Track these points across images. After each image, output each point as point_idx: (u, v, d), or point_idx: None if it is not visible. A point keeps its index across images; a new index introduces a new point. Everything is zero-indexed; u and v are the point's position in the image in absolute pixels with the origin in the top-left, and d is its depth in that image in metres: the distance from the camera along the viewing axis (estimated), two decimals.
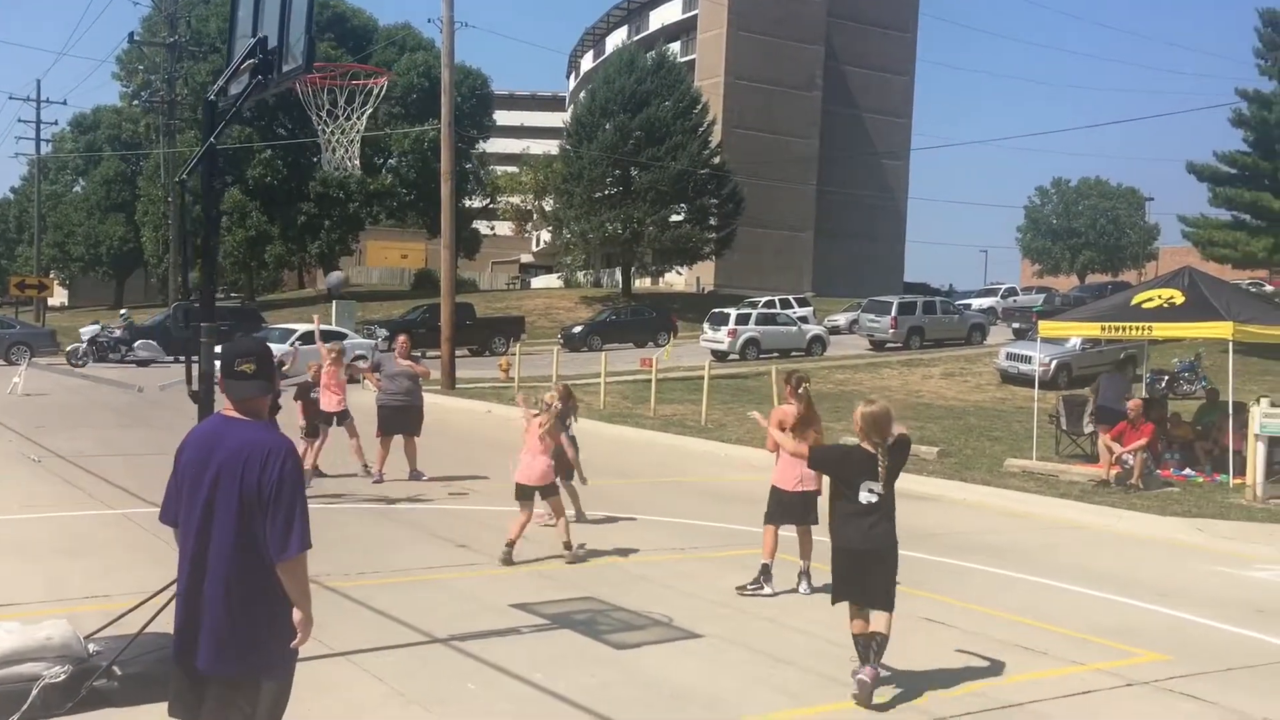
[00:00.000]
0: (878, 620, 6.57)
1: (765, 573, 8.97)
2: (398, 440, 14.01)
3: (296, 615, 4.14)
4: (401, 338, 14.82)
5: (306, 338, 30.81)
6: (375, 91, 7.08)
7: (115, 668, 6.02)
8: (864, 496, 6.51)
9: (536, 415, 10.01)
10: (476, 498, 13.15)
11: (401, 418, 14.01)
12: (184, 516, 4.24)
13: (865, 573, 6.56)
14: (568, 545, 9.91)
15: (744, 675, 6.96)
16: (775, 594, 8.90)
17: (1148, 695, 6.82)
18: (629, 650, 7.37)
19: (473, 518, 12.09)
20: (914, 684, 6.86)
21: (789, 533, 9.22)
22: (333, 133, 6.94)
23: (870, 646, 6.52)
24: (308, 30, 6.11)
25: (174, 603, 4.30)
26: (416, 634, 7.54)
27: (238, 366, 4.21)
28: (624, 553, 10.39)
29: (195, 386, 6.49)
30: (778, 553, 9.09)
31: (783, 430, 8.59)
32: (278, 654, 4.20)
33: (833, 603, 6.81)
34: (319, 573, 8.98)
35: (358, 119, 7.04)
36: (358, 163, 7.15)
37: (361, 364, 15.03)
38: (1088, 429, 17.59)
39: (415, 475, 13.95)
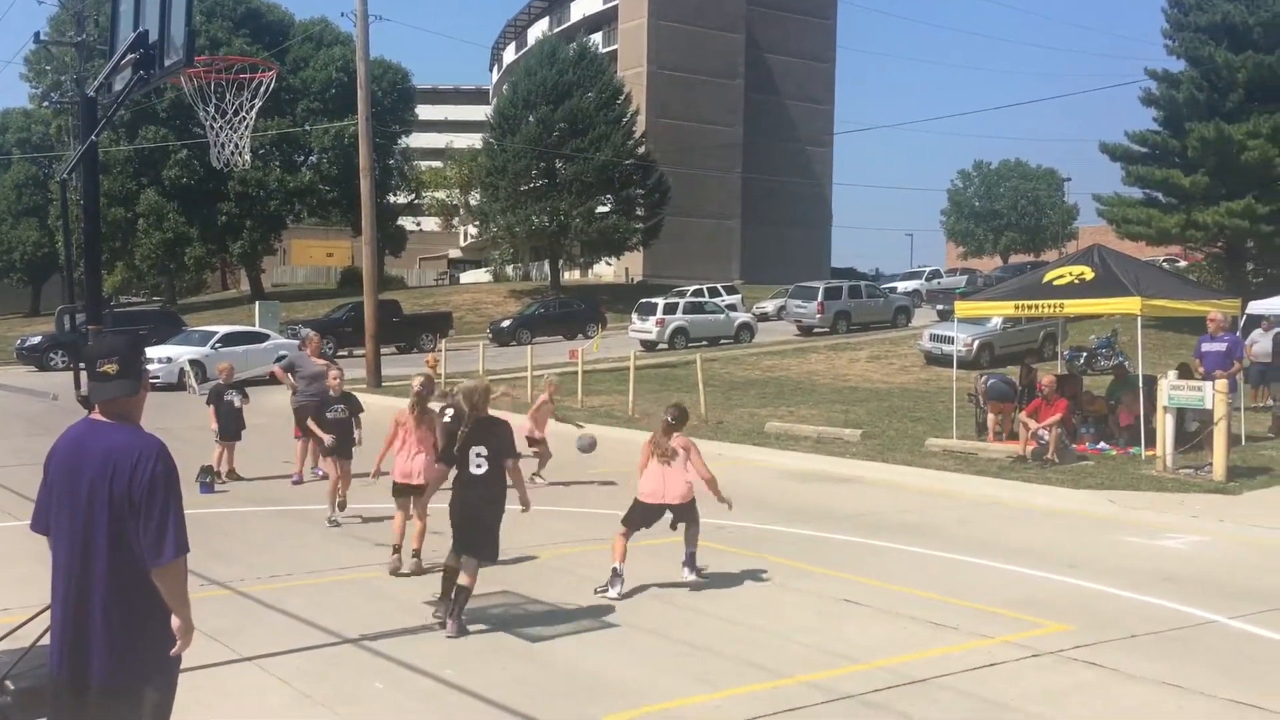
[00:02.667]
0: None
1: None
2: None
3: (175, 622, 4.02)
4: (312, 337, 14.66)
5: (227, 339, 30.29)
6: (265, 85, 6.94)
7: (8, 682, 5.84)
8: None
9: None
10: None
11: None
12: (55, 525, 4.11)
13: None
14: (416, 554, 9.18)
15: (659, 663, 6.96)
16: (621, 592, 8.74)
17: (1051, 665, 6.94)
18: (543, 643, 7.33)
19: (390, 516, 11.94)
20: (824, 662, 6.92)
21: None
22: (221, 129, 6.79)
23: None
24: (188, 23, 5.98)
25: (49, 614, 4.17)
26: (327, 635, 7.44)
27: (99, 367, 4.05)
28: (542, 546, 10.35)
29: (84, 392, 6.31)
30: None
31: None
32: (159, 662, 4.08)
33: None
34: (232, 577, 8.86)
35: (247, 113, 6.89)
36: (247, 157, 7.00)
37: (277, 365, 14.76)
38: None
39: (317, 472, 13.76)
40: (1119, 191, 38.30)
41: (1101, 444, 16.33)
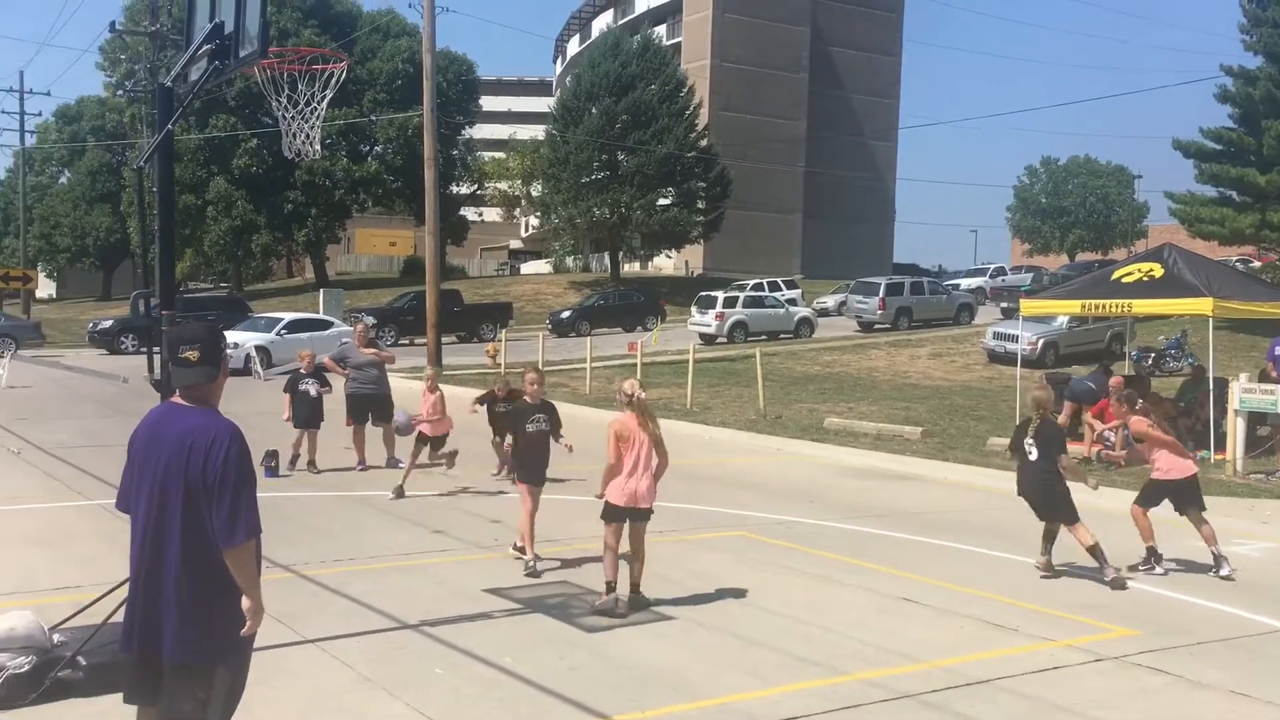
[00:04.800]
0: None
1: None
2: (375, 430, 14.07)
3: (246, 602, 4.11)
4: (358, 326, 14.89)
5: (292, 326, 30.76)
6: (335, 76, 7.04)
7: (79, 658, 6.00)
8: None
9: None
10: (454, 483, 13.13)
11: (371, 405, 14.08)
12: (135, 505, 4.22)
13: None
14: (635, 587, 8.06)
15: (714, 657, 6.96)
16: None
17: (1114, 670, 6.84)
18: (599, 633, 7.37)
19: (449, 504, 12.08)
20: (881, 660, 6.88)
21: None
22: (293, 119, 6.89)
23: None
24: (262, 14, 6.07)
25: (122, 591, 4.28)
26: (388, 620, 7.53)
27: (181, 353, 4.17)
28: (599, 537, 10.37)
29: (158, 375, 6.45)
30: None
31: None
32: (231, 641, 4.17)
33: None
34: (295, 561, 9.01)
35: (318, 104, 6.99)
36: (318, 147, 7.10)
37: (327, 357, 14.92)
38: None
39: (393, 463, 13.93)
40: (1191, 189, 37.57)
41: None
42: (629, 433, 7.78)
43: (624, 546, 7.92)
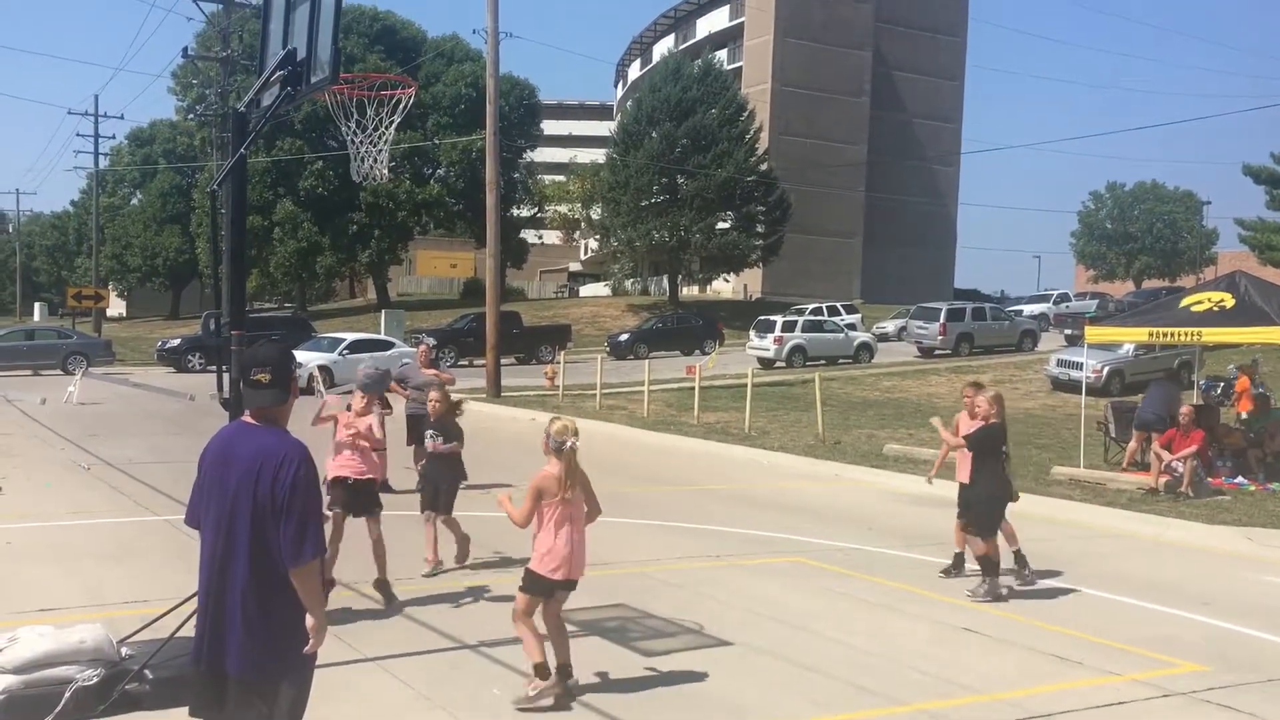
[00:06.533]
0: None
1: None
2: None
3: (310, 621, 4.17)
4: (421, 347, 15.14)
5: (354, 347, 31.17)
6: (403, 102, 7.16)
7: (146, 671, 6.11)
8: None
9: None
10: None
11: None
12: (204, 521, 4.31)
13: None
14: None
15: (771, 683, 6.92)
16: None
17: (1183, 706, 6.69)
18: (656, 657, 7.36)
19: (507, 524, 12.10)
20: (946, 692, 6.79)
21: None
22: (361, 143, 7.02)
23: None
24: (334, 42, 6.19)
25: (191, 605, 4.36)
26: (447, 640, 7.59)
27: (253, 375, 4.26)
28: (657, 560, 10.38)
29: (226, 394, 6.58)
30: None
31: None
32: (295, 658, 4.23)
33: None
34: (355, 579, 9.09)
35: (386, 128, 7.11)
36: (385, 171, 7.22)
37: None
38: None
39: None
40: (1263, 216, 36.93)
41: (1239, 478, 15.68)
42: (554, 488, 6.40)
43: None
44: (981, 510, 9.30)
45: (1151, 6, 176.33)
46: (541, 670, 6.33)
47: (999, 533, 9.42)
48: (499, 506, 6.63)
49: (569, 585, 6.48)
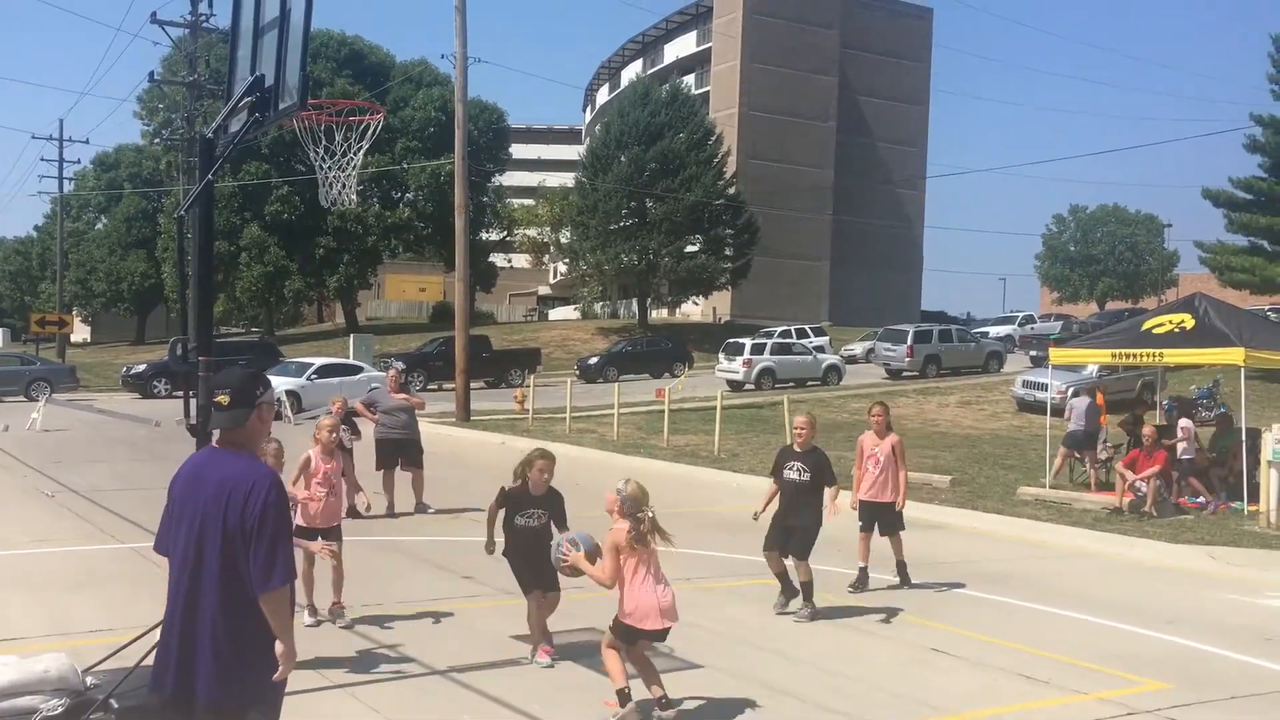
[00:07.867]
0: None
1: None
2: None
3: (278, 647, 4.15)
4: (390, 371, 15.10)
5: (323, 371, 31.01)
6: (372, 127, 7.18)
7: (112, 700, 6.04)
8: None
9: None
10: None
11: (401, 450, 14.18)
12: (173, 548, 4.29)
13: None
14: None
15: (738, 705, 6.93)
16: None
17: None
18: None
19: (478, 549, 12.07)
20: (916, 713, 6.82)
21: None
22: (330, 168, 7.03)
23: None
24: (302, 67, 6.21)
25: (159, 632, 4.33)
26: (417, 666, 7.56)
27: (215, 398, 4.25)
28: None
29: (193, 420, 6.55)
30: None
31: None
32: (263, 686, 4.21)
33: None
34: (323, 605, 9.04)
35: (354, 154, 7.13)
36: (354, 196, 7.24)
37: (358, 401, 15.07)
38: (1102, 455, 17.55)
39: (422, 508, 14.00)
40: (1222, 239, 37.48)
41: (1201, 498, 15.87)
42: (629, 544, 6.25)
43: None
44: (812, 536, 9.49)
45: (1111, 33, 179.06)
46: (623, 696, 6.41)
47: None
48: (574, 570, 6.58)
49: (661, 635, 6.54)
